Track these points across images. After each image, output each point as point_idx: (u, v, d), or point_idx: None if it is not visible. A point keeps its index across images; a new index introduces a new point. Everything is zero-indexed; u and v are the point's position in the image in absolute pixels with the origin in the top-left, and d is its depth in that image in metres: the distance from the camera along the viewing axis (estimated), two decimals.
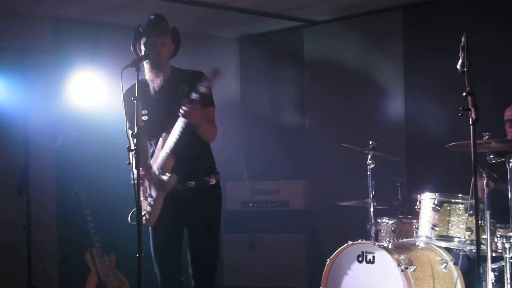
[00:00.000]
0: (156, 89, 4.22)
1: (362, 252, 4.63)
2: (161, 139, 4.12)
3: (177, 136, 3.97)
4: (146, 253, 3.75)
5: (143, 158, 4.14)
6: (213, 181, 4.23)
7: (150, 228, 4.25)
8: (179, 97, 4.02)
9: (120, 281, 6.19)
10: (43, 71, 6.42)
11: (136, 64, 3.83)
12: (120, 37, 5.93)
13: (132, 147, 3.68)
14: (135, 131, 3.69)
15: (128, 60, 3.85)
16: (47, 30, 6.54)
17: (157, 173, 4.13)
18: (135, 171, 3.70)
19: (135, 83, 3.82)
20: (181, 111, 3.87)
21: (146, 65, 4.22)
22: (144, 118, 4.16)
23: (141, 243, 3.62)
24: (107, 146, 6.03)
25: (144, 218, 4.10)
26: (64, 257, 6.56)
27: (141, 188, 4.14)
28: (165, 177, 4.07)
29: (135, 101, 3.75)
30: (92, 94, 6.58)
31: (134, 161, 3.69)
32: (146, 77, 4.26)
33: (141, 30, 4.20)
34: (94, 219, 6.20)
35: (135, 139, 3.70)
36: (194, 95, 3.83)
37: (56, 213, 6.60)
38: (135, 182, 3.69)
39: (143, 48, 4.18)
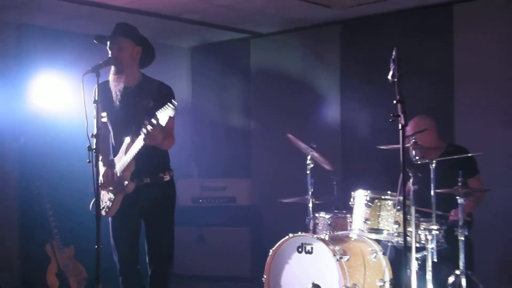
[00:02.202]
0: (118, 94, 4.17)
1: (302, 244, 4.74)
2: (125, 142, 4.12)
3: (138, 149, 3.97)
4: (104, 244, 3.75)
5: (104, 155, 4.22)
6: (167, 178, 4.29)
7: (110, 220, 4.32)
8: (144, 108, 4.04)
9: (78, 270, 6.21)
10: (7, 76, 6.37)
11: (96, 70, 3.83)
12: (80, 44, 6.00)
13: (93, 147, 3.71)
14: (95, 132, 3.73)
15: (88, 66, 3.86)
16: (11, 37, 6.48)
17: (118, 175, 4.15)
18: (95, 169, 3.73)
19: (99, 85, 3.89)
20: (142, 134, 3.80)
21: (112, 68, 4.16)
22: (104, 120, 4.15)
23: (99, 236, 3.65)
24: (67, 146, 6.01)
25: (104, 210, 4.20)
26: (26, 248, 6.52)
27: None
28: (125, 183, 4.12)
29: (95, 104, 3.78)
30: (53, 97, 6.54)
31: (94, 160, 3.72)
32: (109, 80, 4.21)
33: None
34: (55, 213, 6.15)
35: (95, 139, 3.73)
36: (154, 121, 3.71)
37: (18, 208, 6.55)
38: (95, 178, 3.72)
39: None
